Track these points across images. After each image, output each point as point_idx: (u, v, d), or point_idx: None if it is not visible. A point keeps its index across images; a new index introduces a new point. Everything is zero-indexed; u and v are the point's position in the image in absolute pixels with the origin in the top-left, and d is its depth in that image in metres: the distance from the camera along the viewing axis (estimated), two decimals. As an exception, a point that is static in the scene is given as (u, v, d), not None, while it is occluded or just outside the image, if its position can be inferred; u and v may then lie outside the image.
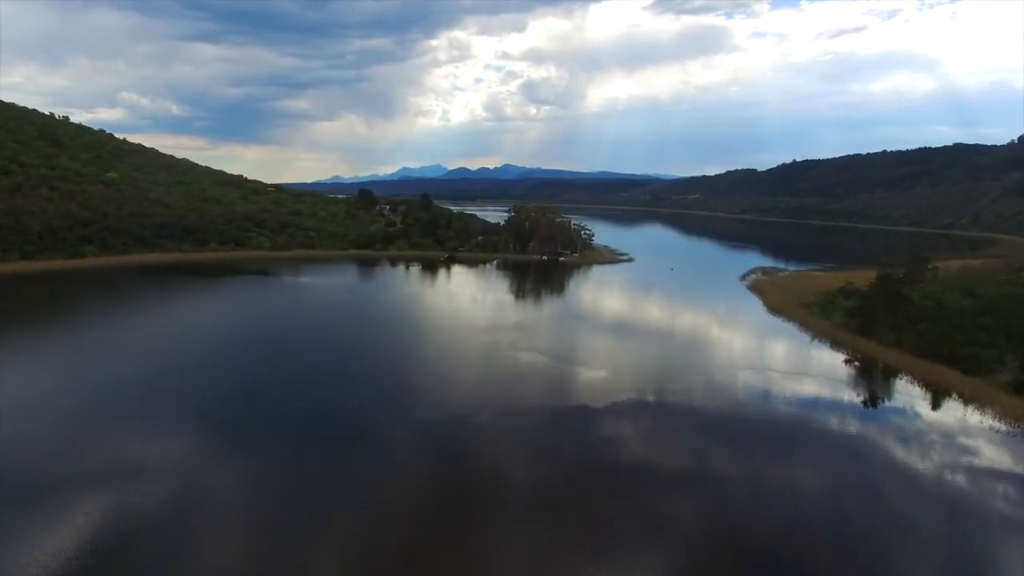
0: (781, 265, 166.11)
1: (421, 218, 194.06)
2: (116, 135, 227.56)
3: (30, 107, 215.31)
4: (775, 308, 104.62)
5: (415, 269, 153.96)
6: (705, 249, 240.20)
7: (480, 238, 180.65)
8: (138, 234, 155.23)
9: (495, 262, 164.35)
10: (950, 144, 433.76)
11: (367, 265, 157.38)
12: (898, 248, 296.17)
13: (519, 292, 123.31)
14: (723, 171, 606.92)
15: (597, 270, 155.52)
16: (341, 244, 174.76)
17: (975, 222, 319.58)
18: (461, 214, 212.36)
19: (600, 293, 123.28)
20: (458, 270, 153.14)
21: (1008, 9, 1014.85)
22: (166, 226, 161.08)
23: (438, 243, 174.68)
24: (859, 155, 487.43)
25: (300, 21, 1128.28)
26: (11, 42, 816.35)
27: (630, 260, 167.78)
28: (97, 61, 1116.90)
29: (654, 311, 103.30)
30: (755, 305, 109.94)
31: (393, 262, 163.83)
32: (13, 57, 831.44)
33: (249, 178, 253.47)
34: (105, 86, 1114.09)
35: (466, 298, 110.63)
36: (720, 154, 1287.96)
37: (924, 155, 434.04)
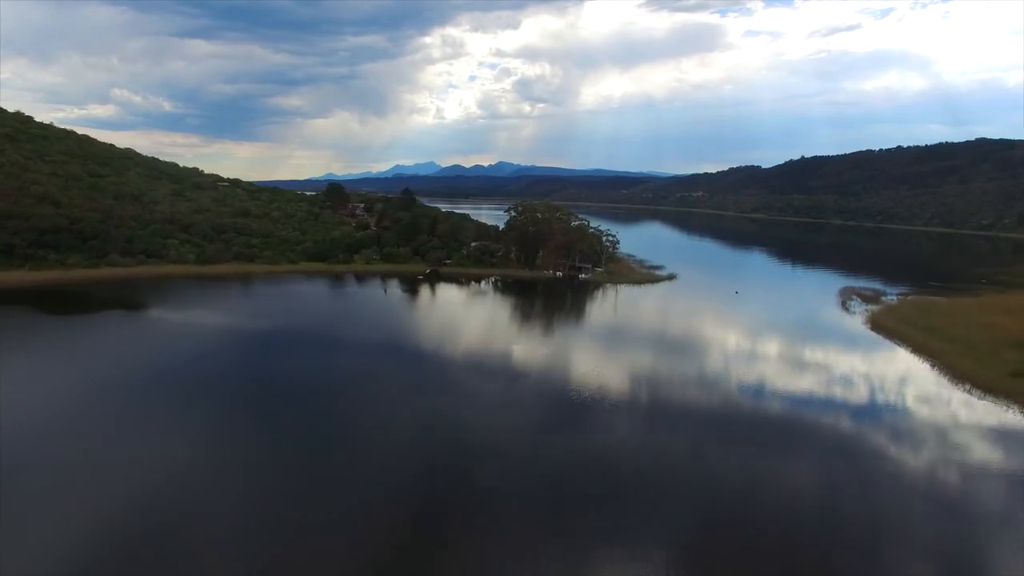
0: (869, 284, 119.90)
1: (400, 219, 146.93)
2: (37, 119, 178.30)
3: (24, 105, 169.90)
4: (972, 378, 58.57)
5: (387, 291, 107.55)
6: (743, 259, 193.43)
7: (474, 245, 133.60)
8: (6, 242, 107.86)
9: (493, 280, 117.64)
10: (972, 139, 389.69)
11: (321, 286, 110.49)
12: (923, 250, 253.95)
13: (535, 345, 76.13)
14: (721, 168, 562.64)
15: (632, 293, 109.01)
16: (293, 254, 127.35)
17: (1023, 223, 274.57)
18: (451, 214, 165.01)
19: (659, 340, 76.46)
20: (443, 294, 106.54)
21: (999, 9, 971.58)
22: (50, 231, 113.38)
23: (418, 253, 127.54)
24: (871, 151, 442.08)
25: (294, 18, 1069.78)
26: (1, 37, 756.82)
27: (671, 277, 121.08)
28: (89, 57, 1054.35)
29: (775, 393, 56.71)
30: (913, 365, 64.55)
31: (360, 279, 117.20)
32: (2, 52, 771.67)
33: (207, 172, 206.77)
34: (97, 82, 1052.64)
35: (449, 376, 61.80)
36: (715, 152, 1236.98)
37: (945, 151, 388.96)
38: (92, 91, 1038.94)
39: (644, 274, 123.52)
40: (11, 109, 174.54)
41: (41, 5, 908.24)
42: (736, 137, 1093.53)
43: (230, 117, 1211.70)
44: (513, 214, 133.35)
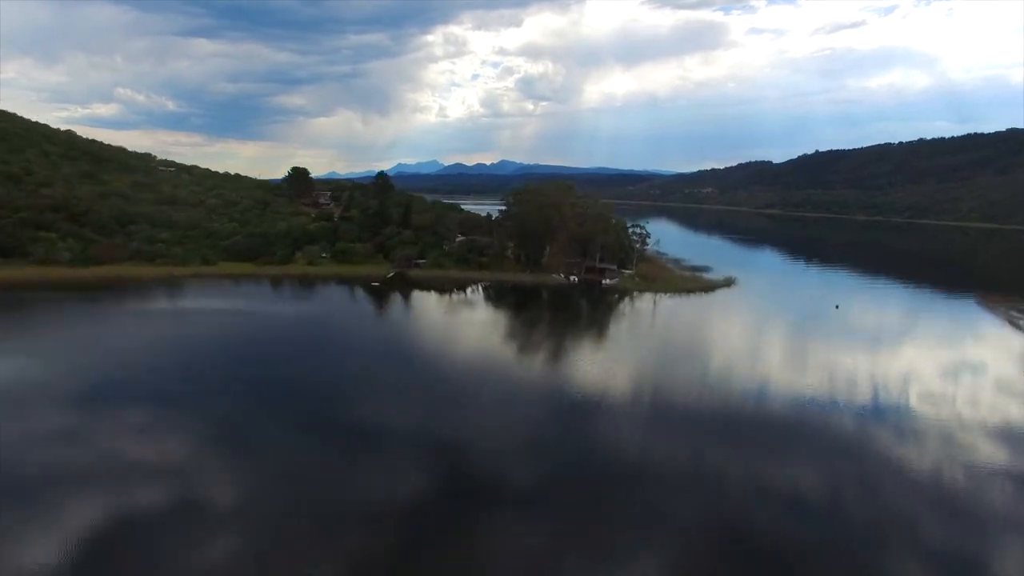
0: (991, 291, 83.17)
1: (369, 208, 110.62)
2: (41, 119, 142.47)
3: (28, 104, 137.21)
4: None
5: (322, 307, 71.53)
6: (788, 259, 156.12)
7: (459, 240, 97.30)
8: None
9: (482, 286, 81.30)
10: (1003, 129, 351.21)
11: (226, 298, 74.28)
12: (961, 246, 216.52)
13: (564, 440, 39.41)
14: (729, 165, 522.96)
15: (682, 306, 72.54)
16: (214, 252, 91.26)
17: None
18: (434, 203, 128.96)
19: (788, 413, 39.78)
20: (406, 311, 70.59)
21: (1003, 6, 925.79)
22: None
23: (381, 250, 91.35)
24: (890, 144, 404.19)
25: (297, 17, 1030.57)
26: (4, 36, 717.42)
27: (728, 284, 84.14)
28: (93, 56, 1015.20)
29: None
30: None
31: (301, 284, 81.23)
32: (7, 52, 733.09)
33: (160, 157, 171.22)
34: (101, 82, 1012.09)
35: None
36: (718, 150, 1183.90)
37: (973, 142, 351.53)
38: (96, 90, 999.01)
39: (690, 279, 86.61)
40: (12, 109, 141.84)
41: (46, 5, 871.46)
42: (740, 135, 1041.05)
43: (233, 116, 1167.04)
44: (511, 201, 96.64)
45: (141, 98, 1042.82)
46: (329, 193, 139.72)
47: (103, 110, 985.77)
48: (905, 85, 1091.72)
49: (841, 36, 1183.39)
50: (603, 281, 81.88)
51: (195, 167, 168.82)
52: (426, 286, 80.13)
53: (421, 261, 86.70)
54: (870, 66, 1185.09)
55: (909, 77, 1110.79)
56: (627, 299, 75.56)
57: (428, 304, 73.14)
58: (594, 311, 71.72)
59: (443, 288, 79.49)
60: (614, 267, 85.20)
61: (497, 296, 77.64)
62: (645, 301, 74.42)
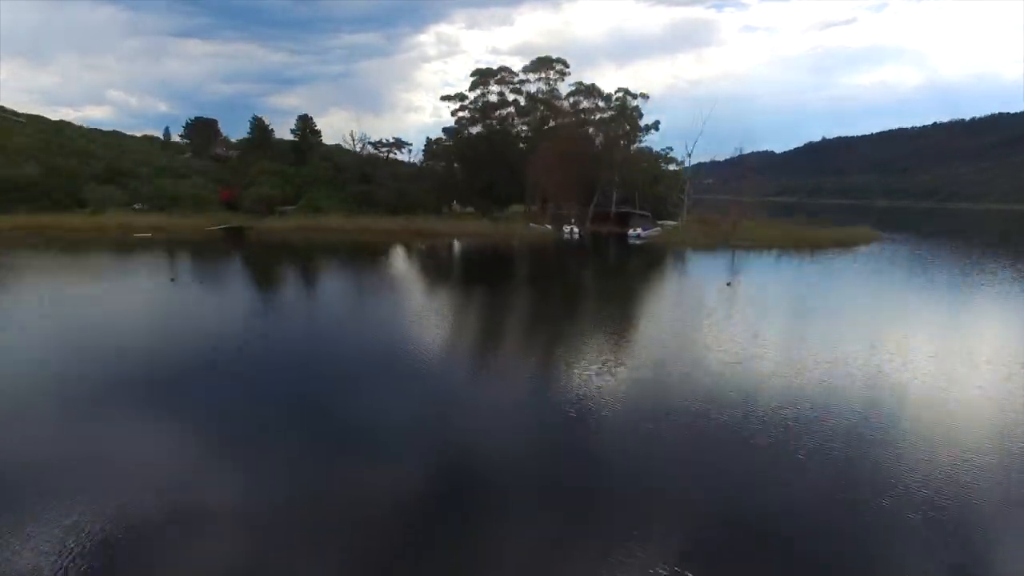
0: None
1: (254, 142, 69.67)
2: None
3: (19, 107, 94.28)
4: None
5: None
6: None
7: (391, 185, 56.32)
8: None
9: (423, 249, 41.06)
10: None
11: None
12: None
13: None
14: (729, 157, 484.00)
15: (809, 278, 32.17)
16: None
17: None
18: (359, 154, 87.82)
19: None
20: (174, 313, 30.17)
21: (994, 2, 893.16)
22: None
23: (230, 202, 50.86)
24: (903, 128, 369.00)
25: (290, 16, 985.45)
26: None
27: (868, 240, 44.34)
28: (85, 58, 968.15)
29: None
30: None
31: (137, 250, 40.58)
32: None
33: None
34: (94, 83, 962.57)
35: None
36: (713, 148, 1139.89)
37: (995, 122, 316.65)
38: (89, 92, 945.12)
39: (799, 231, 46.88)
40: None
41: (38, 5, 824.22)
42: (735, 133, 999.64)
43: (227, 117, 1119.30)
44: (462, 115, 55.91)
45: (134, 100, 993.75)
46: (237, 153, 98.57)
47: (96, 112, 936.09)
48: (897, 82, 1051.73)
49: (833, 33, 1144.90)
50: (632, 233, 41.74)
51: (64, 123, 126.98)
52: (289, 249, 39.76)
53: (287, 209, 46.10)
54: (862, 63, 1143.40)
55: (901, 74, 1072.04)
56: (673, 263, 35.33)
57: (230, 308, 32.47)
58: (623, 291, 31.34)
59: (324, 253, 39.05)
60: (647, 212, 44.96)
61: (435, 267, 37.32)
62: (714, 268, 34.24)
